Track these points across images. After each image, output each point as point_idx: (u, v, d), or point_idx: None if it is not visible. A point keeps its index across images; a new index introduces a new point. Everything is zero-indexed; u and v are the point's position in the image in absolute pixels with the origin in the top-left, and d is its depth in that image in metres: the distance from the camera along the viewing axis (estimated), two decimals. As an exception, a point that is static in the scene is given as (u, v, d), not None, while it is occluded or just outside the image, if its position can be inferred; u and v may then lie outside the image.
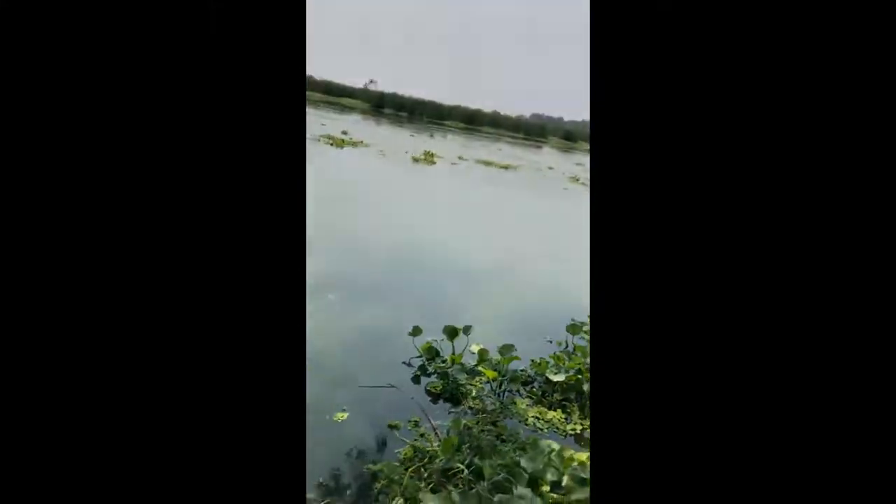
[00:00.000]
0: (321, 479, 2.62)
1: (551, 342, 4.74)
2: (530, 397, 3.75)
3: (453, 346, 4.01)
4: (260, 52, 0.76)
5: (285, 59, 0.77)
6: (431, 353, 3.98)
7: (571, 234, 9.04)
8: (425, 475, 2.71)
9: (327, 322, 4.34)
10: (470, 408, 3.48)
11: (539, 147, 40.39)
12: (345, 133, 19.92)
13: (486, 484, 2.54)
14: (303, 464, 0.93)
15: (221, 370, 0.76)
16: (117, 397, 0.74)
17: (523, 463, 2.68)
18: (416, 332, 4.07)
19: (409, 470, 2.71)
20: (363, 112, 40.87)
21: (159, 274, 0.74)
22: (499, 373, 3.84)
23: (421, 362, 3.95)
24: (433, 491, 2.56)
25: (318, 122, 21.39)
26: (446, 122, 44.76)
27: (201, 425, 0.76)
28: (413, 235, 7.80)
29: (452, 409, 3.46)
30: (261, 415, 0.79)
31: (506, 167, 20.31)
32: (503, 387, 3.80)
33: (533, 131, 49.03)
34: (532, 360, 4.14)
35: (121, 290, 0.73)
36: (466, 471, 2.65)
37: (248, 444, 0.78)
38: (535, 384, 3.91)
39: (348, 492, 2.62)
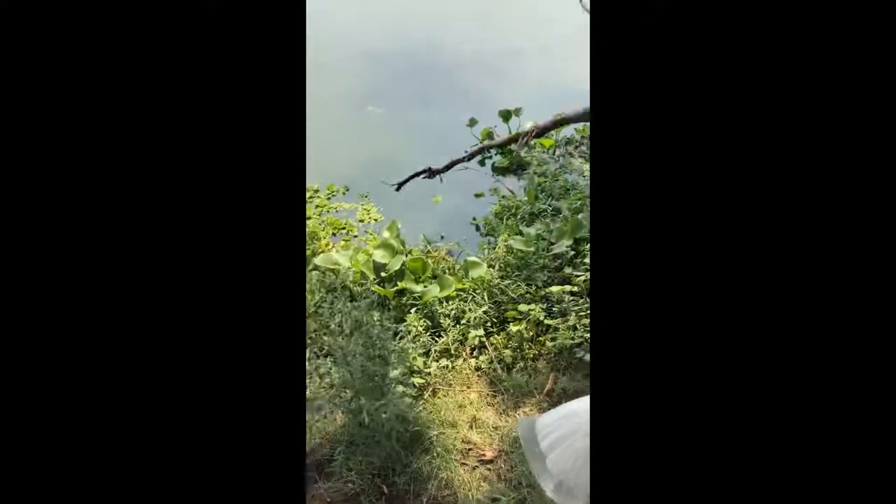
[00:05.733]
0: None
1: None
2: (582, 157, 4.35)
3: (509, 127, 4.53)
4: (259, 45, 0.75)
5: (285, 51, 0.75)
6: (490, 137, 4.53)
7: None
8: (517, 218, 3.46)
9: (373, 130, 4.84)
10: (535, 172, 4.12)
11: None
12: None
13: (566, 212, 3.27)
14: (303, 462, 0.87)
15: (220, 363, 0.74)
16: (113, 389, 0.72)
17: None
18: (473, 122, 4.59)
19: (506, 218, 3.45)
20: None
21: (151, 267, 0.72)
22: (554, 141, 4.42)
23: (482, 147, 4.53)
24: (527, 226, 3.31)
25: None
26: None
27: (199, 420, 0.74)
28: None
29: (521, 174, 4.12)
30: (260, 411, 0.76)
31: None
32: (559, 151, 4.40)
33: None
34: (575, 129, 4.66)
35: (113, 277, 0.72)
36: (549, 209, 3.38)
37: (247, 439, 0.76)
38: (584, 146, 4.49)
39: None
